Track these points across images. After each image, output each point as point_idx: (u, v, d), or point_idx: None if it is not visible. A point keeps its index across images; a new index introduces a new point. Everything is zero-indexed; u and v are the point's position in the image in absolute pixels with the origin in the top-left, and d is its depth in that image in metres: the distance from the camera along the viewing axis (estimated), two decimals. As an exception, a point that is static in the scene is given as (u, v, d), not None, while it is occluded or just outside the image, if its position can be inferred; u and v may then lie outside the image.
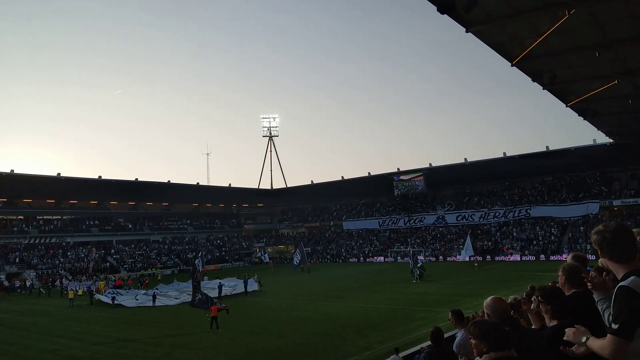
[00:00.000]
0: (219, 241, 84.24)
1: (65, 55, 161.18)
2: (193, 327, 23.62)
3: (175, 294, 36.82)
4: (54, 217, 70.84)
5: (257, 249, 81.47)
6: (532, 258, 53.16)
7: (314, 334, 20.18)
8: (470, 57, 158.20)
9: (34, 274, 56.94)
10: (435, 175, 70.01)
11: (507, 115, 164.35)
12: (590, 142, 50.21)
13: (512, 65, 15.45)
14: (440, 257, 61.38)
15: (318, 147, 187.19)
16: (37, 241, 64.32)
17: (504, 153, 60.69)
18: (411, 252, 43.85)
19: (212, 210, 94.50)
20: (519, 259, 54.20)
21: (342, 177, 78.11)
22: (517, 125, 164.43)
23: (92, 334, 23.65)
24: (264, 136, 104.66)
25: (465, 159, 63.91)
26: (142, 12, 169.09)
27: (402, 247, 65.84)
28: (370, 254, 69.87)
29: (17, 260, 59.12)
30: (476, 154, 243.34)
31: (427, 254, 62.56)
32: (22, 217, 66.89)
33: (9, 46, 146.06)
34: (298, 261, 53.09)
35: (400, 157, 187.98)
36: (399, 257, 64.34)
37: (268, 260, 66.55)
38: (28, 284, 53.18)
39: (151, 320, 27.07)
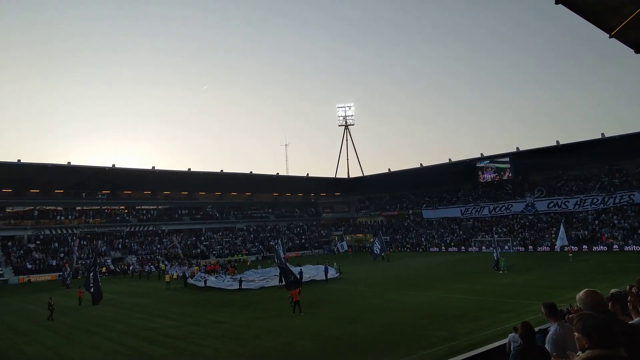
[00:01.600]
0: (298, 229, 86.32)
1: (158, 56, 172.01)
2: (277, 311, 24.54)
3: (259, 279, 38.36)
4: (151, 207, 76.52)
5: (336, 237, 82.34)
6: (637, 248, 48.79)
7: (395, 323, 20.15)
8: (562, 31, 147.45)
9: (135, 258, 62.04)
10: (523, 160, 66.41)
11: (605, 92, 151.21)
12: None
13: (610, 37, 14.21)
14: (530, 247, 58.32)
15: (395, 134, 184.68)
16: (136, 229, 69.91)
17: (602, 134, 56.36)
18: (495, 241, 41.98)
19: (292, 199, 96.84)
20: (619, 249, 50.05)
21: (421, 164, 76.70)
22: (616, 103, 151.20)
23: (187, 315, 25.42)
24: (339, 125, 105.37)
25: (558, 141, 59.99)
26: (221, 9, 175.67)
27: (486, 236, 63.36)
28: (452, 244, 68.00)
29: (121, 246, 64.76)
30: (569, 136, 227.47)
31: (514, 243, 59.78)
32: (123, 207, 72.95)
33: (111, 49, 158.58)
34: (378, 250, 53.04)
35: (484, 142, 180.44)
36: (483, 247, 62.07)
37: (346, 249, 67.01)
38: (130, 267, 57.98)
39: (239, 304, 28.49)
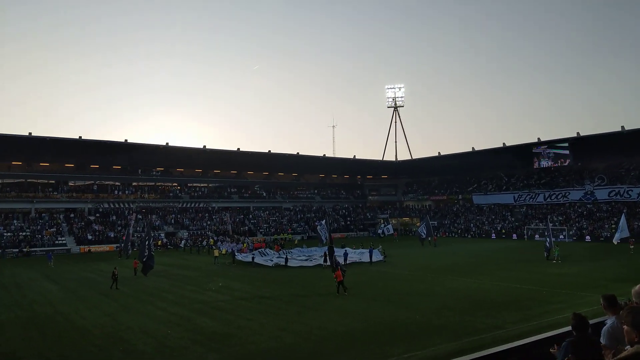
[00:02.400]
0: (344, 211, 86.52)
1: (211, 36, 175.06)
2: (321, 289, 24.85)
3: (304, 258, 38.86)
4: (201, 185, 78.92)
5: (381, 220, 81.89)
6: None
7: (440, 308, 19.92)
8: (629, 10, 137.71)
9: (187, 233, 64.37)
10: (584, 146, 63.13)
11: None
12: None
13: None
14: (587, 237, 55.83)
15: (445, 117, 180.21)
16: (188, 205, 72.41)
17: (673, 120, 52.33)
18: (550, 229, 40.40)
19: (338, 181, 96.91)
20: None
21: (473, 148, 74.45)
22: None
23: (234, 289, 26.21)
24: (388, 107, 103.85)
25: (623, 127, 56.46)
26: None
27: (540, 224, 61.11)
28: (503, 231, 66.10)
29: (173, 221, 67.32)
30: (636, 122, 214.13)
31: (570, 232, 57.38)
32: (176, 184, 75.64)
33: (165, 27, 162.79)
34: (425, 234, 52.33)
35: (541, 126, 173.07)
36: (536, 235, 59.97)
37: (392, 232, 66.48)
38: (182, 242, 60.27)
39: (284, 281, 29.05)
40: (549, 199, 66.68)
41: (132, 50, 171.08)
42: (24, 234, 54.88)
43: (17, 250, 51.22)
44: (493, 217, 71.71)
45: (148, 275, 31.05)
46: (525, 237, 61.79)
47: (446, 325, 16.84)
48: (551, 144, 66.76)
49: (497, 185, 77.03)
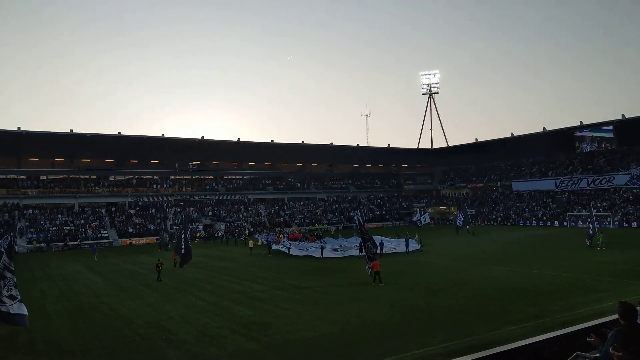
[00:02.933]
0: (379, 200, 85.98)
1: (240, 29, 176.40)
2: (357, 279, 24.78)
3: (339, 248, 38.88)
4: (237, 177, 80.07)
5: (417, 209, 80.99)
6: None
7: (478, 297, 19.54)
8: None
9: (223, 225, 65.51)
10: (629, 129, 60.51)
11: None
12: None
13: None
14: (634, 223, 53.62)
15: (482, 102, 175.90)
16: (224, 197, 73.64)
17: None
18: (593, 215, 38.92)
19: (372, 170, 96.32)
20: None
21: (512, 133, 72.47)
22: None
23: (271, 279, 26.51)
24: (423, 94, 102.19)
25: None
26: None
27: (583, 210, 59.03)
28: (544, 218, 64.22)
29: (210, 213, 68.63)
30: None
31: (615, 219, 55.22)
32: (212, 177, 77.00)
33: (200, 24, 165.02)
34: (462, 222, 51.45)
35: (582, 110, 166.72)
36: (579, 222, 58.00)
37: (428, 221, 65.61)
38: (219, 234, 61.40)
39: (320, 271, 29.15)
40: (592, 184, 64.26)
41: (167, 45, 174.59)
42: (68, 228, 57.17)
43: (62, 243, 53.42)
44: (533, 204, 69.74)
45: (185, 267, 31.68)
46: (568, 224, 59.82)
47: (485, 315, 16.50)
48: (594, 127, 64.20)
49: (538, 171, 74.79)
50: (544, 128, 68.11)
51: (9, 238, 16.45)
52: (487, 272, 26.10)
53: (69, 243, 53.50)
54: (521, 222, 66.01)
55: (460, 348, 12.67)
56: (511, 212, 69.97)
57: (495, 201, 76.36)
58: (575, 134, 66.14)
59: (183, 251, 31.23)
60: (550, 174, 71.84)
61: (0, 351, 14.26)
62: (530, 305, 17.65)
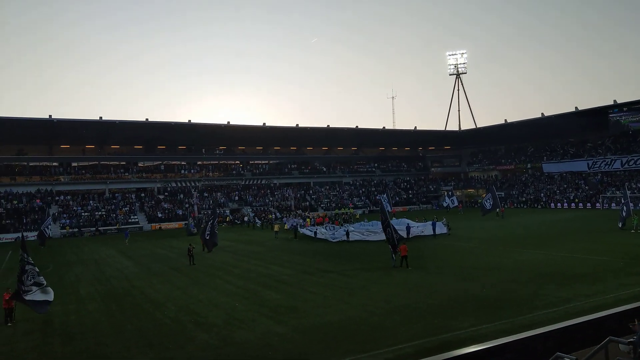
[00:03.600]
0: (405, 184, 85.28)
1: (264, 15, 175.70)
2: (383, 263, 24.68)
3: (365, 232, 38.76)
4: (263, 162, 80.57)
5: (445, 192, 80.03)
6: None
7: (507, 281, 19.20)
8: None
9: (250, 209, 66.19)
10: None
11: None
12: None
13: None
14: (670, 205, 51.79)
15: (511, 82, 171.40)
16: (250, 182, 74.33)
17: None
18: (628, 197, 37.57)
19: (398, 153, 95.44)
20: None
21: (542, 114, 70.40)
22: None
23: (297, 263, 26.69)
24: (450, 74, 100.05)
25: None
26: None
27: (617, 192, 57.24)
28: (576, 200, 62.59)
29: (237, 198, 69.39)
30: None
31: (650, 200, 53.45)
32: (238, 162, 77.71)
33: (224, 11, 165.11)
34: (490, 205, 50.57)
35: (616, 88, 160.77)
36: (613, 204, 56.35)
37: (456, 204, 64.72)
38: (246, 218, 62.07)
39: (346, 255, 29.18)
40: (626, 165, 62.18)
41: (192, 30, 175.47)
42: (99, 213, 58.75)
43: (94, 228, 55.01)
44: (565, 185, 68.02)
45: (214, 250, 32.03)
46: (601, 206, 58.19)
47: (514, 299, 16.21)
48: (629, 106, 61.80)
49: (569, 152, 72.72)
50: (576, 108, 66.00)
51: (21, 235, 17.33)
52: (516, 255, 25.62)
53: (100, 228, 55.12)
54: (552, 204, 64.52)
55: (490, 332, 12.52)
56: (542, 195, 68.44)
57: (525, 183, 74.77)
58: (608, 113, 63.84)
59: (207, 237, 31.10)
60: (582, 155, 69.78)
61: (37, 334, 14.80)
62: (561, 289, 17.26)
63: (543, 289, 17.51)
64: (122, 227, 54.72)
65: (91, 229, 54.89)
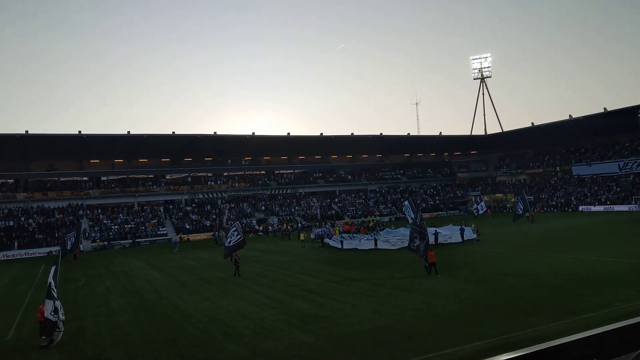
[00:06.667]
0: (432, 190, 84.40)
1: (286, 30, 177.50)
2: (411, 271, 24.40)
3: (393, 240, 38.46)
4: (288, 172, 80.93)
5: (472, 198, 78.75)
6: None
7: (539, 286, 18.72)
8: None
9: (276, 219, 66.46)
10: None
11: None
12: None
13: None
14: None
15: (537, 84, 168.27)
16: (276, 192, 74.74)
17: None
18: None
19: (424, 159, 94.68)
20: None
21: (570, 115, 68.83)
22: None
23: (325, 272, 26.61)
24: (474, 79, 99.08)
25: None
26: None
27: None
28: (607, 202, 60.78)
29: (263, 208, 69.80)
30: None
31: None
32: (264, 172, 78.29)
33: (248, 27, 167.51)
34: (521, 210, 49.60)
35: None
36: (647, 206, 54.49)
37: (485, 210, 63.59)
38: (270, 228, 62.31)
39: (373, 263, 28.96)
40: (661, 166, 60.11)
41: (216, 47, 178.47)
42: (129, 226, 59.92)
43: (131, 240, 56.30)
44: (596, 188, 66.16)
45: (242, 261, 32.06)
46: (634, 208, 56.32)
47: (547, 305, 15.78)
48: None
49: (600, 154, 70.78)
50: (605, 108, 64.28)
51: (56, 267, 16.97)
52: (548, 260, 24.98)
53: (131, 240, 56.29)
54: (583, 207, 62.78)
55: (522, 339, 12.21)
56: (572, 198, 66.72)
57: (554, 187, 73.06)
58: (638, 113, 61.96)
59: (229, 243, 30.81)
60: (613, 157, 67.84)
61: (70, 346, 15.10)
62: (595, 294, 16.74)
63: (577, 294, 17.02)
64: (149, 239, 55.76)
65: (121, 241, 56.02)
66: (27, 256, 50.28)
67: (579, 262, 23.66)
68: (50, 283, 15.67)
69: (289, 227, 58.85)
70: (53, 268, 16.53)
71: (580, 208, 63.07)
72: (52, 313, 14.98)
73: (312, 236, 47.23)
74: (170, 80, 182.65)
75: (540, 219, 52.72)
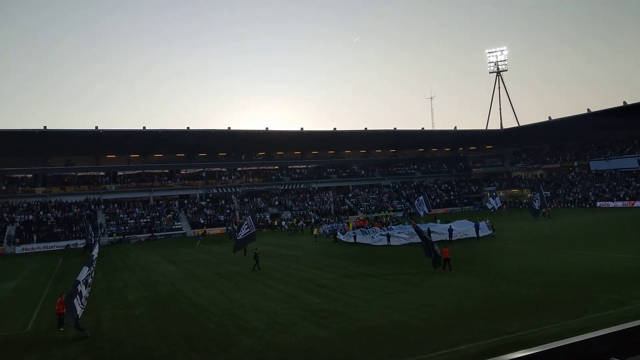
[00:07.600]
0: (446, 185, 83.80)
1: (300, 26, 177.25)
2: (425, 267, 24.29)
3: (406, 236, 38.35)
4: (301, 167, 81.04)
5: (487, 193, 78.00)
6: None
7: (556, 283, 18.51)
8: None
9: (290, 214, 66.65)
10: None
11: None
12: None
13: None
14: None
15: (554, 78, 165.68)
16: (289, 187, 74.90)
17: None
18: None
19: (438, 154, 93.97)
20: None
21: (588, 109, 67.65)
22: None
23: (338, 267, 26.64)
24: (490, 72, 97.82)
25: None
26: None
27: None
28: (627, 198, 59.76)
29: (277, 203, 70.04)
30: None
31: None
32: (277, 167, 78.49)
33: (268, 25, 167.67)
34: (538, 206, 49.05)
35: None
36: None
37: (500, 205, 62.93)
38: (283, 223, 62.50)
39: (387, 258, 28.92)
40: (682, 160, 58.86)
41: (229, 43, 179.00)
42: (144, 220, 60.62)
43: (150, 234, 57.04)
44: (615, 183, 65.06)
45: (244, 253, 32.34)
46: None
47: (563, 302, 15.60)
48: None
49: (619, 149, 69.54)
50: (624, 102, 63.02)
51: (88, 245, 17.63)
52: (565, 256, 24.67)
53: (149, 235, 56.98)
54: (601, 203, 61.83)
55: (538, 336, 12.11)
56: (590, 193, 65.73)
57: (572, 182, 72.03)
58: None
59: (240, 237, 31.02)
60: (632, 152, 66.59)
61: (87, 339, 15.34)
62: (613, 291, 16.49)
63: (594, 291, 16.80)
64: (164, 234, 56.47)
65: (137, 235, 56.72)
66: (45, 249, 51.29)
67: (596, 259, 23.34)
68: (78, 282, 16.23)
69: (296, 224, 58.05)
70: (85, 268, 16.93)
71: (598, 204, 62.15)
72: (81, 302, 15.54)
73: (320, 232, 47.13)
74: (184, 76, 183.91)
75: (557, 214, 52.07)
